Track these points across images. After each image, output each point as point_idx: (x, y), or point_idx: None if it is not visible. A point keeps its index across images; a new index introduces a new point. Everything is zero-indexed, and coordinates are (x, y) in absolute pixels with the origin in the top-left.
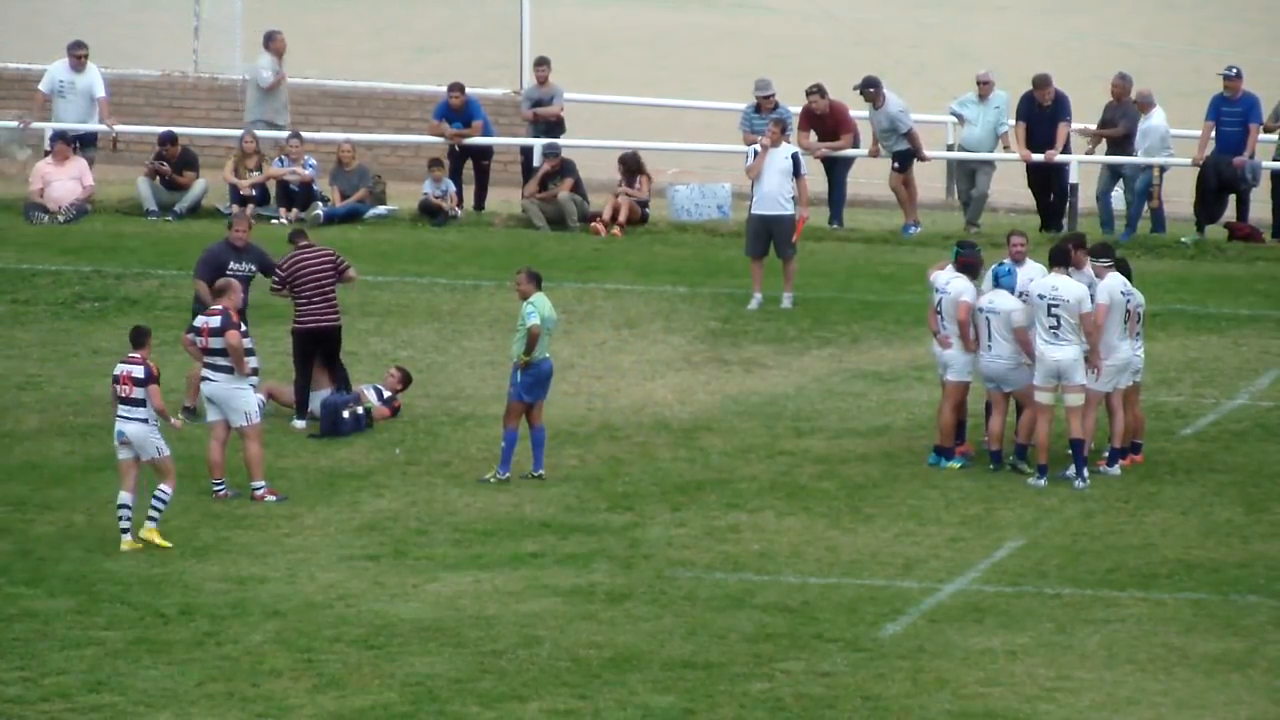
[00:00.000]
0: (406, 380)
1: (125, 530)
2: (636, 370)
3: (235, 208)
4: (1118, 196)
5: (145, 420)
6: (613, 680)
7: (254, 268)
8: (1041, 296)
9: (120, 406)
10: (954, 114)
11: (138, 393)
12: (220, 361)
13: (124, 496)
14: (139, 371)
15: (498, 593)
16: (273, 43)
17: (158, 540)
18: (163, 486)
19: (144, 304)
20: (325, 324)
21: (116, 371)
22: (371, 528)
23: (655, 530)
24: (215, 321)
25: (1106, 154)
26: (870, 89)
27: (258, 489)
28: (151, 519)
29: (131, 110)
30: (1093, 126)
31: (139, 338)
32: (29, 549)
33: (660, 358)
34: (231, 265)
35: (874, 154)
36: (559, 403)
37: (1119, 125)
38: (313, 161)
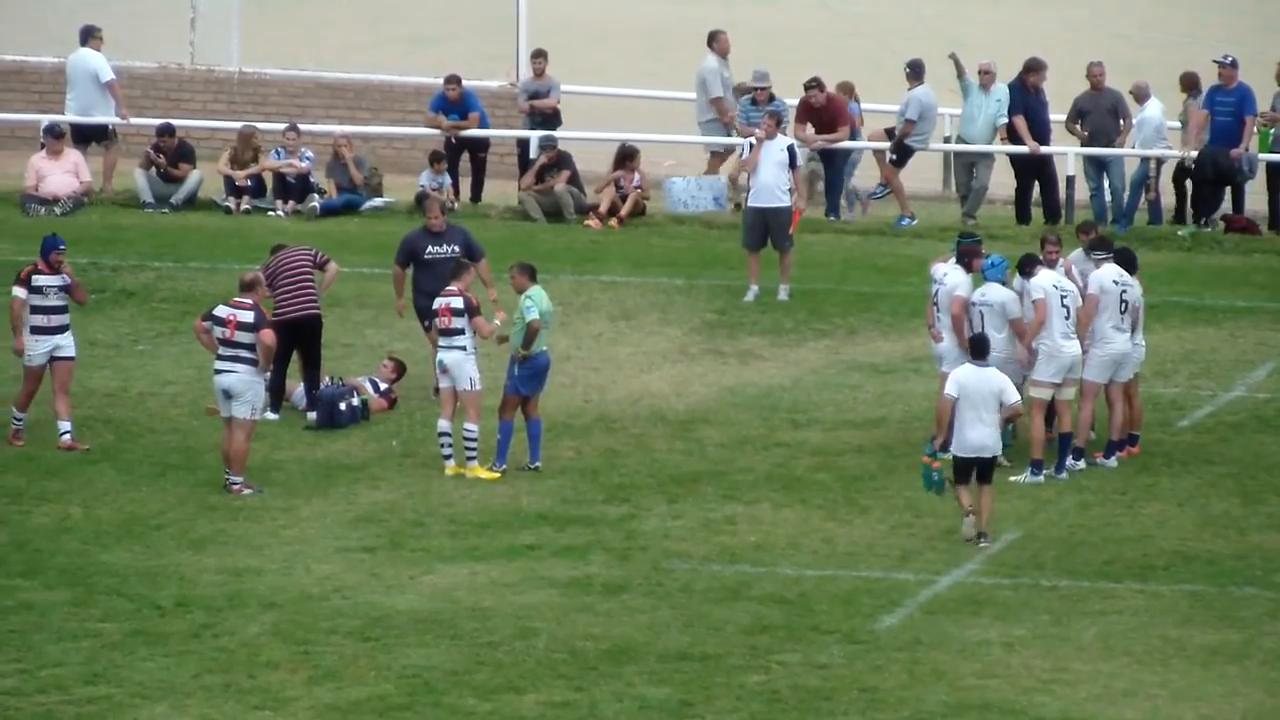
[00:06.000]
0: (401, 370)
1: (447, 457)
2: (633, 362)
3: (428, 189)
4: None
5: (464, 348)
6: (609, 672)
7: (456, 248)
8: (1056, 286)
9: (441, 337)
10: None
11: (457, 323)
12: (245, 354)
13: (442, 424)
14: (458, 303)
15: (494, 584)
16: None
17: (484, 475)
18: (468, 426)
19: (141, 296)
20: (303, 314)
21: (437, 304)
22: (368, 520)
23: (652, 522)
24: (247, 316)
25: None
26: (908, 69)
27: (234, 483)
28: (470, 458)
29: (128, 102)
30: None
31: (458, 270)
32: (25, 541)
33: (657, 349)
34: (430, 249)
35: (898, 143)
36: (555, 394)
37: (1091, 118)
38: (309, 154)
